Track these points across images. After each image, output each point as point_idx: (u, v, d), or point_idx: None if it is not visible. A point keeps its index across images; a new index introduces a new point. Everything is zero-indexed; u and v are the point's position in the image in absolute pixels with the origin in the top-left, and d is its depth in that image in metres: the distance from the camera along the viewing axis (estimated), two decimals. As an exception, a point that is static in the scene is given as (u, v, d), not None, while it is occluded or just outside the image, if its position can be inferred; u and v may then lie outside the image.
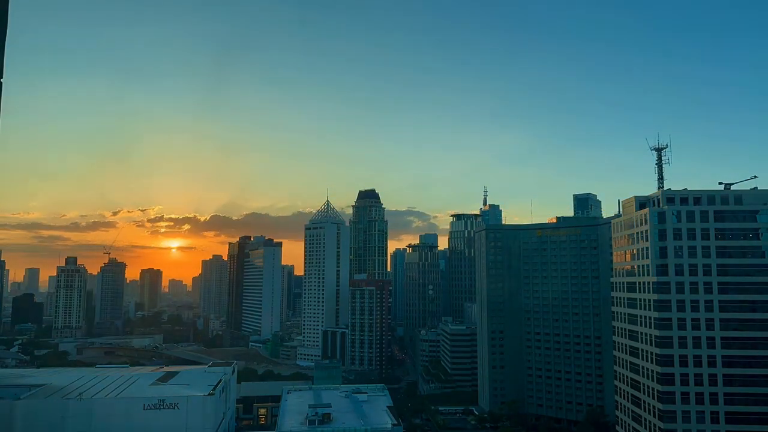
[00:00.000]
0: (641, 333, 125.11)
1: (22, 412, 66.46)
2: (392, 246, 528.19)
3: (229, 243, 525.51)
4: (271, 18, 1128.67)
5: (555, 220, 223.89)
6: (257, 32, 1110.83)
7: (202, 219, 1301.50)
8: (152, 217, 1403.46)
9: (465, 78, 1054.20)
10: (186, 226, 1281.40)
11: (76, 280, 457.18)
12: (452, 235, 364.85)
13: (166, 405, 68.49)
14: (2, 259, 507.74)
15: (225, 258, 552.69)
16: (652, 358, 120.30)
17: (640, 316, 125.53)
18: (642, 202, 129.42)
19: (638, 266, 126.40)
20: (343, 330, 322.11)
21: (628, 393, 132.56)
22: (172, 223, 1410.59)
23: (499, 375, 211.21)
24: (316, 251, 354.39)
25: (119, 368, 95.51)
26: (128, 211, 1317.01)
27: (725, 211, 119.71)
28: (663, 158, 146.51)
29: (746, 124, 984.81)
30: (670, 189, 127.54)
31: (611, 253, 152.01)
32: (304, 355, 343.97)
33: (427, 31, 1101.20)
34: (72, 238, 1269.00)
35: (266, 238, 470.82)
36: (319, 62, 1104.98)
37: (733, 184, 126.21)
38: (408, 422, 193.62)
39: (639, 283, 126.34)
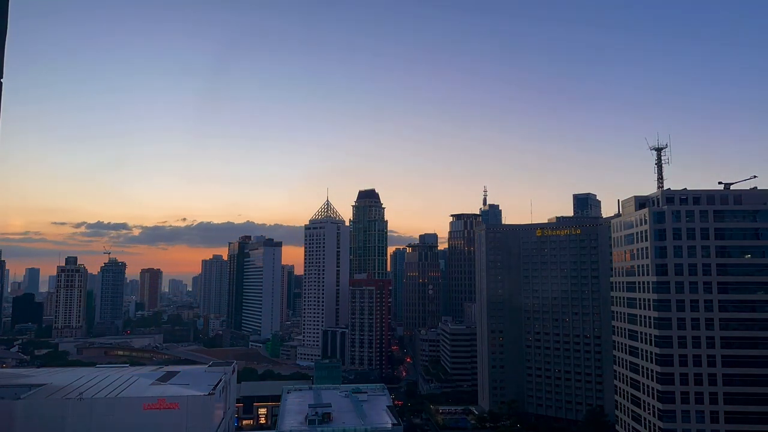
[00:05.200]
0: (641, 332, 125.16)
1: (22, 412, 66.50)
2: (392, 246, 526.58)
3: (229, 243, 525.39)
4: (269, 18, 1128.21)
5: (555, 220, 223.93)
6: (255, 33, 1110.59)
7: (195, 224, 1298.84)
8: (146, 224, 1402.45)
9: (463, 77, 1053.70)
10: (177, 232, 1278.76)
11: (76, 280, 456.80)
12: (452, 235, 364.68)
13: (167, 405, 68.55)
14: (2, 259, 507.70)
15: (225, 258, 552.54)
16: (651, 358, 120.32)
17: (640, 316, 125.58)
18: (641, 202, 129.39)
19: (638, 266, 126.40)
20: (343, 330, 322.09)
21: (627, 392, 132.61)
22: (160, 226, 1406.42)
23: (499, 375, 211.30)
24: (316, 251, 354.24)
25: (119, 368, 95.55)
26: (116, 229, 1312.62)
27: (725, 211, 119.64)
28: (663, 158, 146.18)
29: (746, 124, 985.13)
30: (669, 189, 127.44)
31: (611, 253, 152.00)
32: (304, 354, 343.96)
33: (425, 29, 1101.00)
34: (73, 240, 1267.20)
35: (266, 238, 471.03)
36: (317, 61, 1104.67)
37: (732, 184, 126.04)
38: (408, 422, 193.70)
39: (638, 282, 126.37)
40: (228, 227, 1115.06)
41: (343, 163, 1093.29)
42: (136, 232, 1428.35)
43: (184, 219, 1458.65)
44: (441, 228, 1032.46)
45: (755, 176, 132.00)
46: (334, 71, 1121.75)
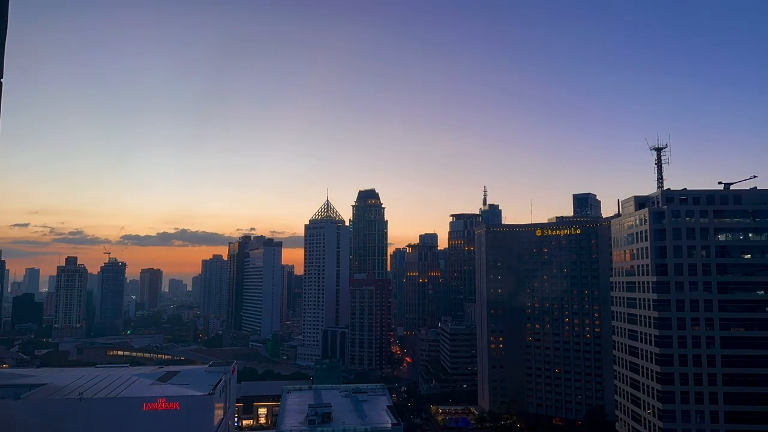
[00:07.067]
0: (641, 332, 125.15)
1: (22, 412, 66.49)
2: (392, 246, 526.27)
3: (229, 243, 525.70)
4: (268, 19, 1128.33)
5: (555, 220, 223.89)
6: (253, 34, 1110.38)
7: (194, 225, 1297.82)
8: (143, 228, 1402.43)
9: (464, 77, 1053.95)
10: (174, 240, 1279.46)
11: (76, 280, 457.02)
12: (452, 235, 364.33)
13: (167, 405, 68.54)
14: (2, 259, 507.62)
15: (225, 258, 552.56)
16: (651, 358, 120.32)
17: (640, 316, 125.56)
18: (641, 202, 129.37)
19: (638, 266, 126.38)
20: (343, 330, 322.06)
21: (627, 392, 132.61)
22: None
23: (499, 374, 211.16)
24: (316, 251, 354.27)
25: (119, 368, 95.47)
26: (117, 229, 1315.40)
27: (724, 211, 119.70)
28: (662, 158, 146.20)
29: (746, 124, 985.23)
30: (669, 189, 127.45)
31: (611, 253, 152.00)
32: (304, 354, 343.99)
33: (426, 31, 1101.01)
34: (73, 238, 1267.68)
35: (266, 237, 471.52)
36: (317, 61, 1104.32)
37: (732, 183, 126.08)
38: (408, 422, 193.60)
39: (638, 282, 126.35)
40: (227, 228, 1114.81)
41: (343, 163, 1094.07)
42: (136, 232, 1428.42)
43: (183, 218, 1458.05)
44: (441, 228, 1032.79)
45: (755, 176, 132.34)
46: (334, 72, 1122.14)
